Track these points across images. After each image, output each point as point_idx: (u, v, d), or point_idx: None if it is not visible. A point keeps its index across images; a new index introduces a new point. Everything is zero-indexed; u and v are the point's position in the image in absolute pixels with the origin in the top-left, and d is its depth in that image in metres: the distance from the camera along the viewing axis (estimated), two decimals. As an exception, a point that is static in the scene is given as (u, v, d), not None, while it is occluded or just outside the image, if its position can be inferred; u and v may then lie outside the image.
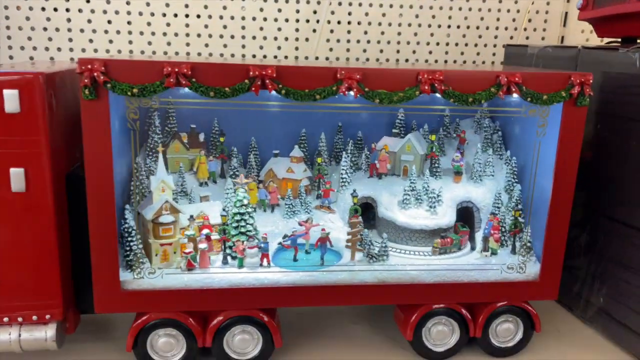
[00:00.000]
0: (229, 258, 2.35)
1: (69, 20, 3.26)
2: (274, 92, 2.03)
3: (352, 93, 2.06)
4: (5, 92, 1.91)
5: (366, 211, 2.60)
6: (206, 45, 3.45)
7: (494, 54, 3.83)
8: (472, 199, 2.63)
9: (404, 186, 2.58)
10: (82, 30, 3.31)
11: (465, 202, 2.63)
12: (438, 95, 2.12)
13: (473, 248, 2.60)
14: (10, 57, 3.33)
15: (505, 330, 2.44)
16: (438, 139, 2.81)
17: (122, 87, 1.94)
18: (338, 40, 3.65)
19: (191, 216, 2.35)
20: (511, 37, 3.80)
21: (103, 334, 2.53)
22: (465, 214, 2.65)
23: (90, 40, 3.33)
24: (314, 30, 3.59)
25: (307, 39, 3.60)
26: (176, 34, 3.38)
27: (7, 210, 2.02)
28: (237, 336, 2.30)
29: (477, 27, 3.75)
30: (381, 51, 3.70)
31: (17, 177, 1.99)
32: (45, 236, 2.07)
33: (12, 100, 1.91)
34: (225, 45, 3.52)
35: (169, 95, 2.19)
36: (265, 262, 2.33)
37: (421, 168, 2.68)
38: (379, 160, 2.67)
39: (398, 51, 3.72)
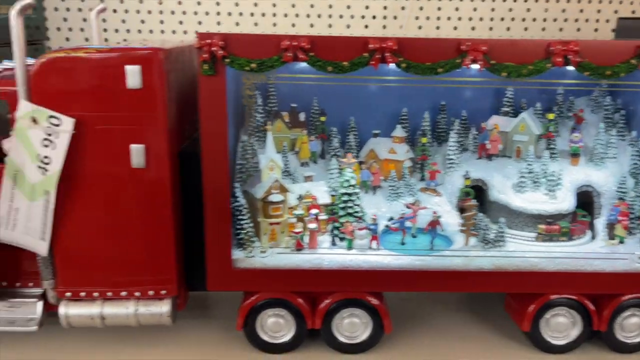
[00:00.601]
0: (336, 239, 2.30)
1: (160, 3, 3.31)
2: (382, 68, 1.94)
3: (475, 66, 1.94)
4: (128, 67, 1.92)
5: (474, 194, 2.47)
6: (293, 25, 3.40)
7: (596, 30, 3.57)
8: (593, 182, 2.44)
9: (519, 168, 2.44)
10: (172, 12, 3.35)
11: (584, 186, 2.45)
12: (569, 68, 1.97)
13: (594, 237, 2.42)
14: (105, 40, 3.43)
15: (634, 325, 2.26)
16: (551, 118, 2.63)
17: (240, 62, 1.91)
18: (427, 18, 3.51)
19: (300, 196, 2.31)
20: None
21: (210, 312, 2.55)
22: (584, 199, 2.48)
23: (180, 22, 3.37)
24: (403, 8, 3.46)
25: (395, 17, 3.49)
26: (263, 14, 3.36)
27: (126, 185, 2.05)
28: (346, 319, 2.25)
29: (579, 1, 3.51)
30: (473, 28, 3.53)
31: (137, 153, 2.00)
32: (162, 212, 2.09)
33: (134, 75, 1.92)
34: (312, 25, 3.46)
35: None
36: (374, 245, 2.26)
37: (536, 149, 2.51)
38: (490, 140, 2.53)
39: (491, 28, 3.54)
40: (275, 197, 2.24)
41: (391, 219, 2.38)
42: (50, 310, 2.21)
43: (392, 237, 2.37)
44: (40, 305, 2.21)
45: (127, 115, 1.97)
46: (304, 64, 1.96)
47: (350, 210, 2.30)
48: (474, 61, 1.93)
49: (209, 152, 2.02)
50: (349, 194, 2.30)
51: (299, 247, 2.23)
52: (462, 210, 2.44)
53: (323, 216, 2.33)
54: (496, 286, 2.24)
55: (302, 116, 2.69)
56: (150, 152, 2.01)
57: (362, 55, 1.92)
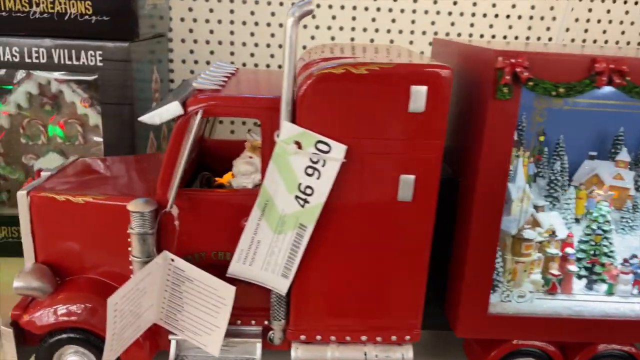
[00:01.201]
0: (592, 282, 2.05)
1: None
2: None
3: None
4: (414, 88, 1.66)
5: None
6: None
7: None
8: None
9: None
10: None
11: None
12: None
13: None
14: (312, 38, 3.19)
15: None
16: None
17: (545, 86, 1.66)
18: (576, 20, 3.22)
19: (554, 232, 2.05)
20: None
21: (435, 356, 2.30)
22: None
23: (412, 22, 3.13)
24: (552, 8, 3.17)
25: (542, 18, 3.20)
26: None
27: (386, 220, 1.80)
28: (599, 373, 2.01)
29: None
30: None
31: (406, 184, 1.75)
32: (420, 251, 1.84)
33: (419, 97, 1.67)
34: (452, 24, 3.20)
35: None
36: (636, 290, 2.01)
37: None
38: None
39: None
40: (529, 234, 1.99)
41: (634, 256, 2.13)
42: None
43: (642, 279, 2.12)
44: (259, 346, 1.98)
45: (402, 142, 1.72)
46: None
47: (605, 250, 2.05)
48: None
49: (487, 183, 1.77)
50: (605, 231, 2.05)
51: (552, 291, 1.98)
52: None
53: (580, 255, 2.07)
54: None
55: (515, 134, 2.42)
56: (420, 183, 1.76)
57: (687, 82, 1.66)
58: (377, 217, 1.79)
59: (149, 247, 1.79)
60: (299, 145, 1.69)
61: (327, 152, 1.69)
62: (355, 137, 1.70)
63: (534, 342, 1.96)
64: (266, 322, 1.98)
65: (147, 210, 1.75)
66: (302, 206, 1.73)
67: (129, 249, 1.81)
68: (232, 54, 3.38)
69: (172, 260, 1.80)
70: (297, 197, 1.73)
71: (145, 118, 1.72)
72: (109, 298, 1.63)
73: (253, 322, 1.98)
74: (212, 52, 3.37)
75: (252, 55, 3.37)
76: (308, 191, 1.72)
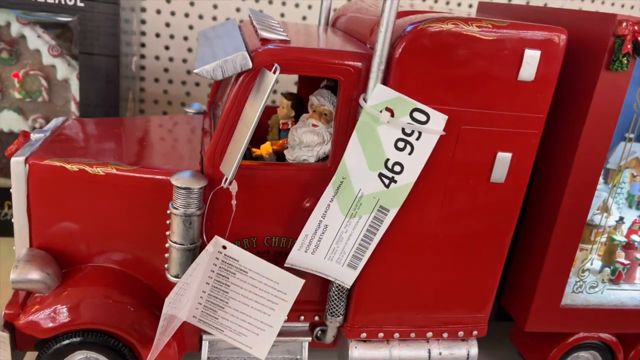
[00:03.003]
0: (653, 271, 1.96)
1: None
2: None
3: None
4: (528, 52, 1.42)
5: None
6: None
7: None
8: None
9: None
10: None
11: None
12: None
13: None
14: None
15: None
16: None
17: (670, 57, 1.48)
18: None
19: (621, 218, 1.92)
20: None
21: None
22: None
23: None
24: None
25: None
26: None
27: (474, 204, 1.57)
28: (654, 363, 1.93)
29: None
30: None
31: (502, 163, 1.53)
32: (502, 237, 1.64)
33: (531, 64, 1.44)
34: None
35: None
36: (695, 278, 1.94)
37: None
38: None
39: None
40: (599, 219, 1.85)
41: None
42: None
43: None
44: (306, 344, 1.71)
45: (504, 115, 1.48)
46: None
47: (666, 237, 1.96)
48: None
49: (583, 164, 1.59)
50: (668, 218, 1.95)
51: (617, 280, 1.87)
52: None
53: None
54: None
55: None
56: (515, 163, 1.54)
57: None
58: (463, 200, 1.56)
59: (194, 232, 1.45)
60: (391, 112, 1.41)
61: (424, 123, 1.42)
62: (453, 106, 1.44)
63: (598, 334, 1.84)
64: (317, 318, 1.71)
65: (197, 186, 1.41)
66: (387, 186, 1.46)
67: (167, 233, 1.46)
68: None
69: (224, 247, 1.47)
70: (381, 175, 1.45)
71: (203, 70, 1.35)
72: (167, 297, 1.29)
73: (302, 317, 1.70)
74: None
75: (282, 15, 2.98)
76: (397, 168, 1.45)
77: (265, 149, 1.77)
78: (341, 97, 1.46)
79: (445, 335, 1.72)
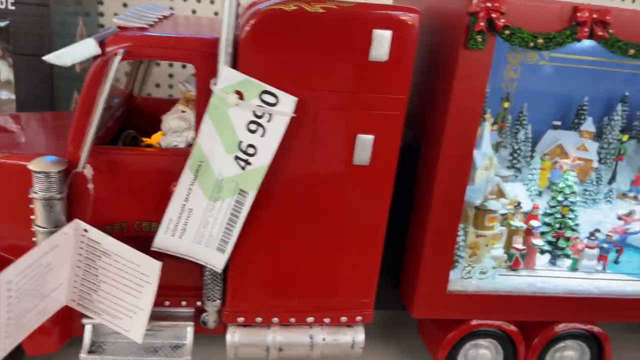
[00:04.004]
0: (556, 258, 1.91)
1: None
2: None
3: None
4: (377, 32, 1.42)
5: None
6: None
7: None
8: None
9: None
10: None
11: None
12: None
13: None
14: None
15: None
16: None
17: (522, 36, 1.46)
18: None
19: (519, 203, 1.89)
20: None
21: (395, 335, 2.11)
22: None
23: None
24: None
25: None
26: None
27: (339, 187, 1.57)
28: (560, 352, 1.88)
29: None
30: None
31: (364, 146, 1.53)
32: (376, 220, 1.63)
33: (382, 44, 1.43)
34: None
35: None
36: (600, 266, 1.89)
37: None
38: None
39: None
40: (494, 205, 1.82)
41: (597, 230, 2.00)
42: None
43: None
44: (191, 329, 1.72)
45: (360, 96, 1.48)
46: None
47: (570, 223, 1.91)
48: None
49: (453, 145, 1.57)
50: (572, 202, 1.91)
51: (515, 267, 1.83)
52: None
53: (544, 229, 1.93)
54: None
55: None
56: (379, 145, 1.53)
57: (672, 37, 1.50)
58: (329, 183, 1.56)
59: (56, 215, 1.48)
60: (240, 95, 1.43)
61: (273, 105, 1.43)
62: (306, 89, 1.45)
63: (494, 322, 1.81)
64: (199, 303, 1.72)
65: (54, 170, 1.45)
66: (243, 168, 1.47)
67: (32, 217, 1.50)
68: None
69: (86, 230, 1.50)
70: (237, 157, 1.47)
71: (52, 57, 1.40)
72: (0, 274, 1.32)
73: (183, 303, 1.72)
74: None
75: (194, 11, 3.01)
76: (250, 151, 1.46)
77: (156, 138, 1.80)
78: (198, 82, 1.48)
79: (327, 320, 1.71)
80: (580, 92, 2.31)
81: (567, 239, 1.88)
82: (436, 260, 1.68)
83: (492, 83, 1.59)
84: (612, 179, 2.29)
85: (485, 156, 1.83)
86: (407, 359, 1.99)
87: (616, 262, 1.98)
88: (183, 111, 1.60)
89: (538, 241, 1.83)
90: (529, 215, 1.90)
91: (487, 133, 1.85)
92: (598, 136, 2.33)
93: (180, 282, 1.68)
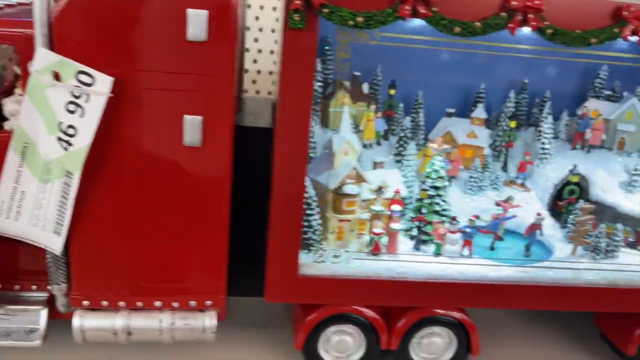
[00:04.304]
0: (421, 243, 1.89)
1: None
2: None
3: (635, 38, 1.54)
4: (191, 12, 1.42)
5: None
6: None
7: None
8: None
9: (625, 163, 2.07)
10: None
11: None
12: None
13: None
14: None
15: None
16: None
17: (342, 14, 1.44)
18: None
19: (380, 188, 1.87)
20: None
21: (258, 324, 2.10)
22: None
23: None
24: None
25: None
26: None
27: (174, 168, 1.56)
28: (426, 338, 1.86)
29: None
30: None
31: (192, 127, 1.52)
32: (217, 203, 1.62)
33: (198, 23, 1.43)
34: None
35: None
36: (466, 251, 1.87)
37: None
38: (593, 129, 2.15)
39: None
40: (351, 189, 1.81)
41: (477, 217, 1.98)
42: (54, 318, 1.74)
43: (480, 240, 1.98)
44: (44, 313, 1.72)
45: (184, 77, 1.48)
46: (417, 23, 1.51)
47: (437, 208, 1.89)
48: (635, 32, 1.52)
49: (286, 128, 1.56)
50: (437, 188, 1.89)
51: (376, 251, 1.81)
52: (555, 210, 2.07)
53: (409, 214, 1.91)
54: (608, 305, 1.89)
55: (365, 88, 2.23)
56: (209, 126, 1.53)
57: (498, 16, 1.48)
58: (161, 165, 1.56)
59: None
60: (57, 76, 1.42)
61: (90, 85, 1.43)
62: (127, 69, 1.45)
63: (352, 307, 1.79)
64: (50, 288, 1.72)
65: None
66: (66, 149, 1.47)
67: None
68: None
69: None
70: (59, 139, 1.47)
71: None
72: None
73: (34, 287, 1.72)
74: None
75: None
76: (70, 131, 1.46)
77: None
78: (21, 64, 1.49)
79: (175, 305, 1.70)
80: (474, 79, 2.32)
81: (430, 224, 1.86)
82: (283, 244, 1.67)
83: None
84: (504, 166, 2.27)
85: (343, 140, 1.82)
86: (270, 345, 1.98)
87: (492, 248, 1.97)
88: (20, 95, 1.60)
89: (396, 225, 1.81)
90: (392, 200, 1.88)
91: (346, 118, 1.83)
92: (495, 124, 2.33)
93: (27, 266, 1.68)
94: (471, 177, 2.15)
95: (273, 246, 1.67)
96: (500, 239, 2.00)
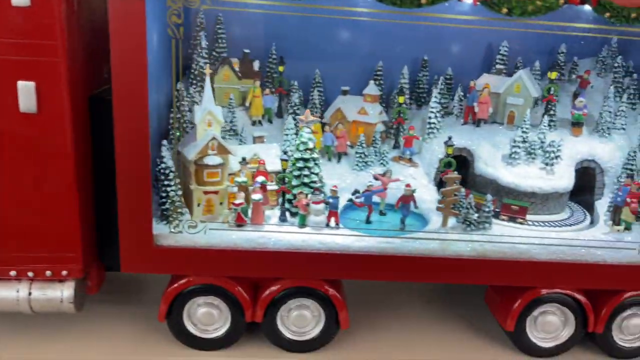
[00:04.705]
0: (287, 214, 1.88)
1: None
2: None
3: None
4: (10, -24, 1.44)
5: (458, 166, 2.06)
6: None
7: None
8: (597, 157, 2.06)
9: (512, 137, 2.03)
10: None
11: (586, 161, 2.07)
12: (586, 7, 1.55)
13: (593, 222, 2.04)
14: None
15: (636, 327, 1.90)
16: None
17: (161, -24, 1.44)
18: None
19: (243, 159, 1.87)
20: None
21: (132, 296, 2.11)
22: (584, 177, 2.09)
23: None
24: None
25: None
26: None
27: (13, 135, 1.58)
28: (294, 311, 1.84)
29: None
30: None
31: (26, 92, 1.53)
32: (62, 171, 1.63)
33: (18, -13, 1.44)
34: None
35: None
36: (332, 222, 1.85)
37: (533, 115, 2.09)
38: (479, 102, 2.11)
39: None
40: (212, 160, 1.80)
41: (356, 192, 1.96)
42: None
43: (356, 214, 1.96)
44: None
45: (12, 43, 1.49)
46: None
47: (305, 180, 1.87)
48: (469, -9, 1.50)
49: (122, 98, 1.56)
50: (305, 160, 1.87)
51: (240, 222, 1.80)
52: (441, 184, 2.04)
53: (272, 186, 1.90)
54: (478, 277, 1.85)
55: (256, 65, 2.23)
56: (43, 92, 1.54)
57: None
58: (1, 134, 1.57)
59: None
60: None
61: None
62: (-50, 35, 1.47)
63: (218, 280, 1.78)
64: None
65: None
66: None
67: None
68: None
69: None
70: None
71: None
72: None
73: None
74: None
75: None
76: None
77: None
78: None
79: (30, 274, 1.71)
80: (373, 57, 2.30)
81: (294, 196, 1.84)
82: (132, 215, 1.67)
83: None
84: (396, 143, 2.25)
85: (205, 111, 1.82)
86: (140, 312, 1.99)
87: (368, 221, 1.94)
88: None
89: (256, 196, 1.80)
90: (257, 172, 1.87)
91: (208, 89, 1.82)
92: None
93: None
94: (357, 153, 2.13)
95: (123, 217, 1.67)
96: (382, 213, 1.98)
